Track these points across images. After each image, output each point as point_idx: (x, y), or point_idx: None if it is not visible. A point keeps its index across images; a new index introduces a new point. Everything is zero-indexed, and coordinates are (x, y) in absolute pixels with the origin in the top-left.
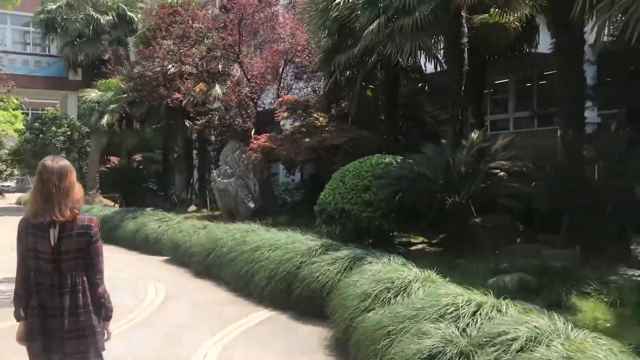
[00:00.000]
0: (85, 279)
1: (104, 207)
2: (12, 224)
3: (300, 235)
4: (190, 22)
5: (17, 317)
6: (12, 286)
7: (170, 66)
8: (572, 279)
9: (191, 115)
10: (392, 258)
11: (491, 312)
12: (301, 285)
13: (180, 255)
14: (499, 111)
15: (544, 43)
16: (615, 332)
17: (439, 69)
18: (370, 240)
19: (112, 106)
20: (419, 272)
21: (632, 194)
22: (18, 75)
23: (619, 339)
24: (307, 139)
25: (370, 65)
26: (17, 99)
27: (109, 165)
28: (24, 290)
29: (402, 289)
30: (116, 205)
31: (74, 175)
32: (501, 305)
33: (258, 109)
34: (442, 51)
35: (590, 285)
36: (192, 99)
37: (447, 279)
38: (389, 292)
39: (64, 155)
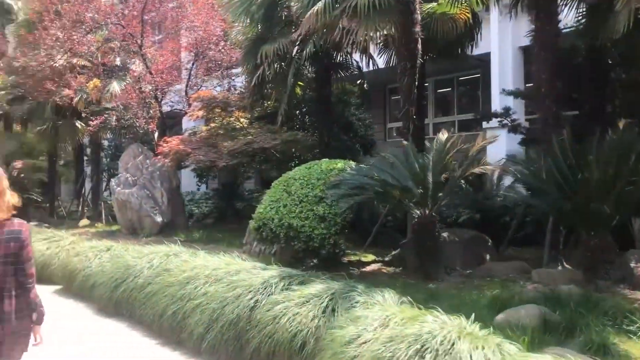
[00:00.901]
0: (16, 283)
1: None
2: None
3: (244, 262)
4: (85, 4)
5: None
6: None
7: (59, 57)
8: (601, 312)
9: (84, 115)
10: (384, 294)
11: None
12: (259, 335)
13: (78, 286)
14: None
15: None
16: None
17: (372, 67)
18: (314, 261)
19: None
20: (449, 320)
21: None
22: None
23: None
24: (228, 142)
25: (305, 57)
26: None
27: None
28: None
29: (445, 352)
30: None
31: (4, 182)
32: None
33: (162, 109)
34: (382, 43)
35: (634, 321)
36: (85, 96)
37: (479, 326)
38: (422, 357)
39: None
